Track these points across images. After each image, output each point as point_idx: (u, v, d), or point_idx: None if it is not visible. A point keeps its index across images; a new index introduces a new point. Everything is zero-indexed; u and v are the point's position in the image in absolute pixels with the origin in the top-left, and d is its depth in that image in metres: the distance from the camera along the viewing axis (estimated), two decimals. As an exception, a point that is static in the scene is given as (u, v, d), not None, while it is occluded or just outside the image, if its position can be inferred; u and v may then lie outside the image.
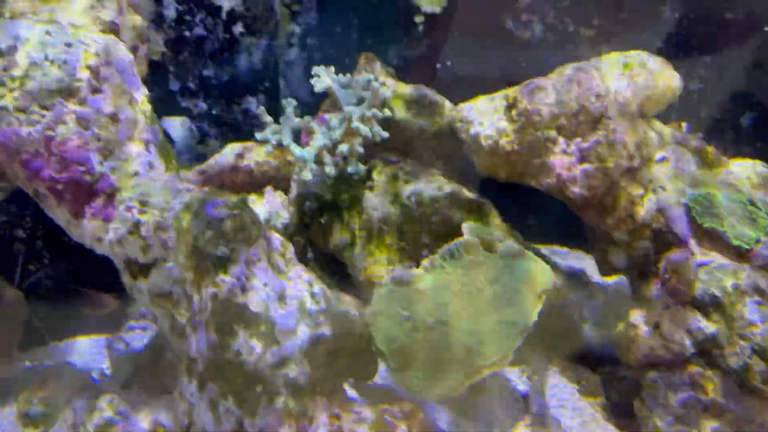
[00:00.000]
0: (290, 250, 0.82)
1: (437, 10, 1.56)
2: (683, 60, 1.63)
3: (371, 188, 1.09)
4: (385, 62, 1.41)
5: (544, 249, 1.77)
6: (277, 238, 0.81)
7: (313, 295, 0.78)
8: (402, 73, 1.51)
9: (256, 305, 0.73)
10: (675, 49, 1.62)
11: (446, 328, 0.90)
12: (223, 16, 1.43)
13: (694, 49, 1.64)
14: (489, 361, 0.89)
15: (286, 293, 0.76)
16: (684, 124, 1.53)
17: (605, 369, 1.28)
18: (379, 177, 1.10)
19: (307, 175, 0.95)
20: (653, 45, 1.64)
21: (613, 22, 1.65)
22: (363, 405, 0.79)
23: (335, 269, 1.14)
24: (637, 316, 1.20)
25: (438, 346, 0.88)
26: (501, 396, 1.03)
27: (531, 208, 1.57)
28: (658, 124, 1.38)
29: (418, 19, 1.56)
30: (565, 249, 1.88)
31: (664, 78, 1.28)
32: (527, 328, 0.93)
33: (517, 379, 1.11)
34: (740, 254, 1.14)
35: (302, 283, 0.78)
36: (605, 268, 1.27)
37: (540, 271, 1.00)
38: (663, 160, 1.30)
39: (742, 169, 1.29)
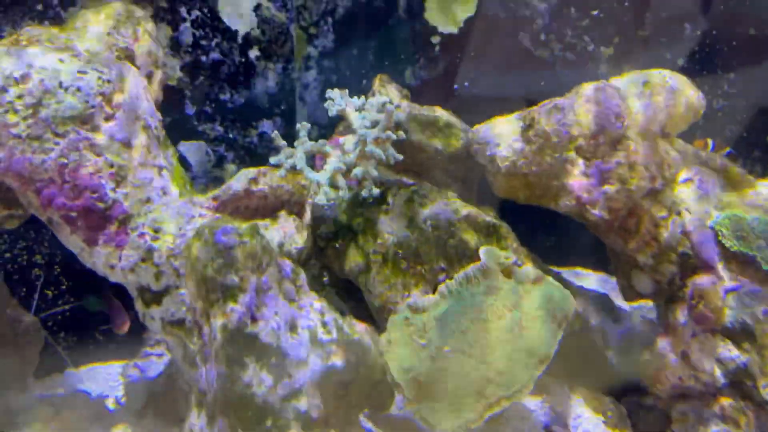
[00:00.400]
0: (302, 277, 0.81)
1: (454, 30, 1.55)
2: (706, 77, 1.60)
3: (387, 212, 1.07)
4: (402, 83, 1.40)
5: (566, 272, 1.73)
6: (288, 264, 0.79)
7: (324, 324, 0.76)
8: (419, 94, 1.51)
9: (267, 335, 0.71)
10: (698, 66, 1.59)
11: (464, 357, 0.86)
12: (239, 40, 1.44)
13: (718, 66, 1.60)
14: (509, 392, 0.85)
15: (297, 322, 0.73)
16: (710, 141, 1.49)
17: (631, 399, 1.24)
18: (394, 200, 1.08)
19: (322, 199, 0.94)
20: (675, 62, 1.61)
21: (633, 40, 1.62)
22: (377, 438, 0.76)
23: (352, 294, 1.12)
24: (664, 343, 1.15)
25: (456, 376, 0.85)
26: (521, 428, 0.98)
27: (552, 229, 1.53)
28: (680, 143, 1.35)
29: (435, 39, 1.55)
30: (588, 272, 1.84)
31: (686, 96, 1.25)
32: (548, 357, 0.90)
33: (539, 409, 1.06)
34: (771, 279, 1.10)
35: (314, 312, 0.76)
36: (629, 294, 1.22)
37: (560, 297, 0.97)
38: (687, 181, 1.25)
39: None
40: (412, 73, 1.60)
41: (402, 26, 1.58)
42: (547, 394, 1.13)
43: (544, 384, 1.17)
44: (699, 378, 1.10)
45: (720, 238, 1.12)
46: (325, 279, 1.11)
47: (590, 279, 1.76)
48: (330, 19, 1.54)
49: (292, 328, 0.73)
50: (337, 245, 1.06)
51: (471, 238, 1.03)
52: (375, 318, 1.00)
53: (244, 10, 1.43)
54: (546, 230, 1.60)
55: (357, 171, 0.98)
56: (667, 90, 1.23)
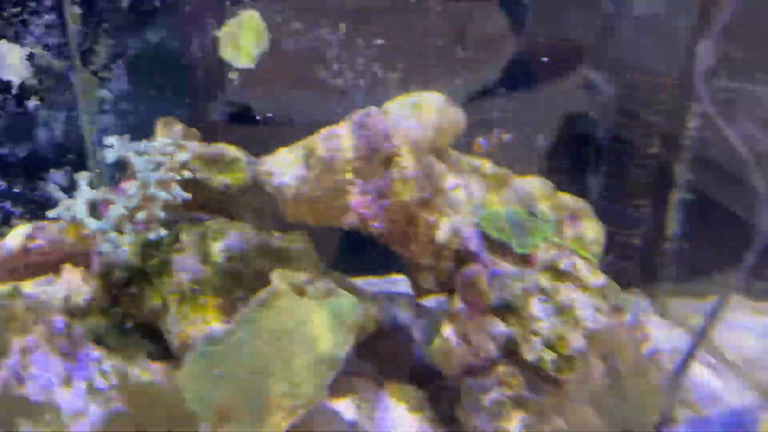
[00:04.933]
0: (77, 330, 0.82)
1: (251, 65, 1.62)
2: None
3: (180, 250, 1.11)
4: (204, 121, 1.44)
5: (384, 280, 1.88)
6: (60, 320, 0.80)
7: (103, 372, 0.78)
8: (222, 130, 1.56)
9: (37, 394, 0.72)
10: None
11: (260, 377, 0.94)
12: (14, 90, 1.39)
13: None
14: (304, 400, 0.94)
15: (72, 375, 0.75)
16: (505, 137, 1.73)
17: (434, 383, 1.40)
18: (187, 238, 1.13)
19: (107, 246, 0.96)
20: (453, 85, 1.84)
21: (417, 65, 1.82)
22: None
23: (158, 336, 1.14)
24: (448, 330, 1.33)
25: (254, 396, 0.92)
26: (325, 423, 1.08)
27: (351, 244, 1.67)
28: (455, 154, 1.56)
29: (233, 75, 1.61)
30: (402, 276, 2.01)
31: (450, 114, 1.46)
32: (339, 361, 1.00)
33: (346, 409, 1.17)
34: (525, 260, 1.32)
35: (91, 363, 0.78)
36: (418, 291, 1.39)
37: (349, 307, 1.08)
38: (456, 187, 1.46)
39: (525, 185, 1.50)
40: (215, 110, 1.65)
41: (199, 65, 1.62)
42: (355, 393, 1.24)
43: (353, 384, 1.29)
44: (478, 354, 1.28)
45: (483, 231, 1.33)
46: (127, 325, 1.11)
47: (403, 283, 1.93)
48: (122, 62, 1.54)
49: (67, 381, 0.75)
50: (132, 290, 1.08)
51: (266, 264, 1.11)
52: (178, 357, 1.04)
53: (14, 60, 1.38)
54: (366, 245, 1.74)
55: (141, 215, 1.01)
56: (434, 109, 1.43)
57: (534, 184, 1.49)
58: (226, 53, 1.64)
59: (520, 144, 1.90)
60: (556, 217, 1.45)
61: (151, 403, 0.82)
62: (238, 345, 0.95)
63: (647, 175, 1.97)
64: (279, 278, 1.04)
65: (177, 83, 1.61)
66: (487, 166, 1.51)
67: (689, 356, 1.10)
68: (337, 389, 1.26)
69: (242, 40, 1.61)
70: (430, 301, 1.61)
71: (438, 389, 1.38)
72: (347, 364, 1.27)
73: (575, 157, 2.02)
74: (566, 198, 1.53)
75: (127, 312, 1.07)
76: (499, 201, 1.42)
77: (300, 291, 1.05)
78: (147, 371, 0.86)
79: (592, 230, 1.51)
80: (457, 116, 1.46)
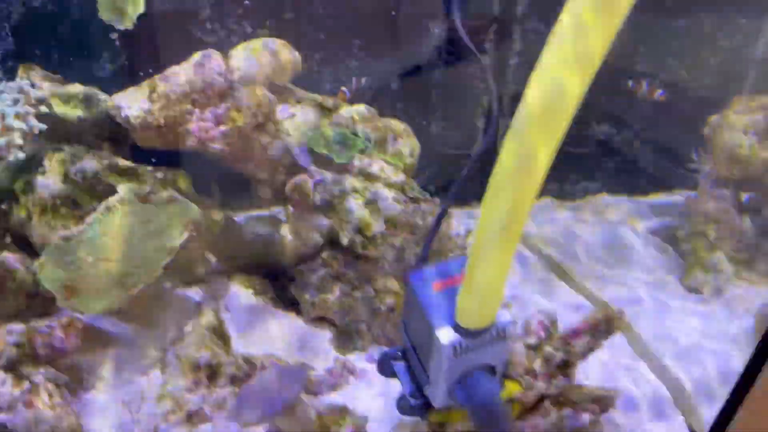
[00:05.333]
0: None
1: (129, 26, 1.77)
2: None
3: (44, 173, 1.36)
4: (91, 76, 1.60)
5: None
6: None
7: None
8: (110, 84, 1.73)
9: None
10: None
11: (105, 263, 1.22)
12: None
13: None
14: (141, 279, 1.24)
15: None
16: (363, 80, 2.01)
17: (275, 271, 1.72)
18: (49, 162, 1.37)
19: (-27, 169, 1.19)
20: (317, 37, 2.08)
21: (281, 21, 2.04)
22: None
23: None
24: (285, 229, 1.65)
25: (98, 277, 1.20)
26: (176, 307, 1.39)
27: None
28: (299, 90, 1.84)
29: (114, 35, 1.78)
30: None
31: (284, 55, 1.73)
32: (173, 249, 1.30)
33: (197, 295, 1.48)
34: (344, 169, 1.64)
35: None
36: (259, 202, 1.69)
37: (186, 209, 1.37)
38: (293, 116, 1.75)
39: (350, 111, 1.80)
40: (99, 67, 1.81)
41: (82, 26, 1.77)
42: (208, 284, 1.55)
43: (207, 278, 1.60)
44: (307, 244, 1.61)
45: (310, 147, 1.63)
46: (8, 239, 1.36)
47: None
48: (7, 25, 1.68)
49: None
50: (3, 207, 1.32)
51: (115, 180, 1.37)
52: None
53: None
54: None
55: (1, 141, 1.24)
56: (269, 52, 1.70)
57: (360, 111, 1.80)
58: (106, 15, 1.81)
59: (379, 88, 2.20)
60: (379, 136, 1.77)
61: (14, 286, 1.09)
62: (88, 240, 1.23)
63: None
64: (124, 189, 1.31)
65: (63, 45, 1.76)
66: (322, 98, 1.81)
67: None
68: (188, 279, 1.58)
69: (120, 3, 1.78)
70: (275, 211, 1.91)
71: (274, 276, 1.71)
72: (200, 261, 1.59)
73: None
74: (392, 122, 1.85)
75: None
76: (328, 125, 1.72)
77: (143, 198, 1.33)
78: (4, 261, 1.12)
79: (409, 146, 1.84)
80: (292, 58, 1.75)
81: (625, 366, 1.69)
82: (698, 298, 1.90)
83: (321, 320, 1.66)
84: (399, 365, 1.01)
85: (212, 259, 1.69)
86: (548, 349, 1.32)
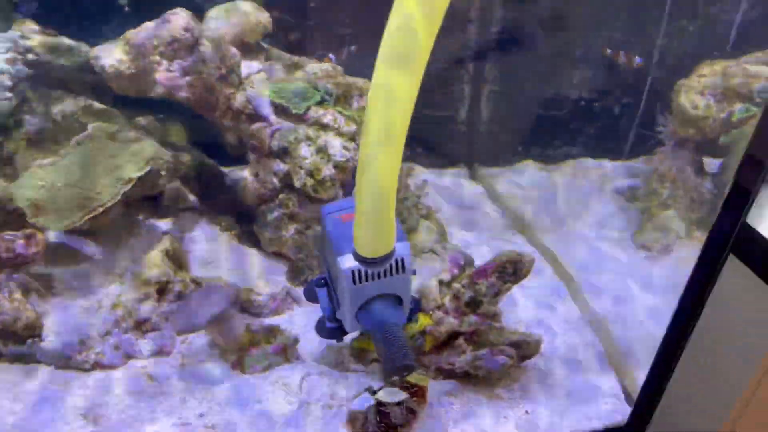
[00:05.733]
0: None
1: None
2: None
3: (30, 111, 1.58)
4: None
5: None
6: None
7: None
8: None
9: None
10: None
11: (71, 189, 1.43)
12: None
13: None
14: (102, 203, 1.44)
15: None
16: (331, 56, 2.14)
17: (241, 211, 1.90)
18: (38, 104, 1.59)
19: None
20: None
21: None
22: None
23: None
24: (245, 172, 1.82)
25: (65, 199, 1.41)
26: (145, 235, 1.60)
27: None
28: (274, 50, 2.00)
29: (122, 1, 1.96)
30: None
31: (255, 16, 1.89)
32: (131, 181, 1.49)
33: (166, 226, 1.68)
34: (299, 119, 1.79)
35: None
36: (229, 148, 1.87)
37: (149, 147, 1.56)
38: (260, 71, 1.91)
39: (314, 68, 1.95)
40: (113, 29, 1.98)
41: None
42: (180, 219, 1.75)
43: (182, 214, 1.80)
44: (266, 186, 1.78)
45: (271, 98, 1.79)
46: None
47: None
48: None
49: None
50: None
51: (89, 120, 1.58)
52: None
53: None
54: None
55: (-10, 83, 1.46)
56: (240, 12, 1.86)
57: (324, 68, 1.94)
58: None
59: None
60: (342, 92, 1.90)
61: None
62: (58, 169, 1.44)
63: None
64: (95, 128, 1.52)
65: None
66: (288, 56, 1.96)
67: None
68: (165, 214, 1.78)
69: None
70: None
71: (245, 215, 1.90)
72: (180, 198, 1.79)
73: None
74: (358, 80, 1.98)
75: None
76: (293, 80, 1.88)
77: (110, 136, 1.53)
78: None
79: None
80: (262, 19, 1.90)
81: (560, 316, 1.79)
82: (646, 255, 1.97)
83: (278, 255, 1.84)
84: (321, 291, 1.06)
85: (191, 198, 1.89)
86: (456, 285, 1.45)
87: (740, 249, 1.11)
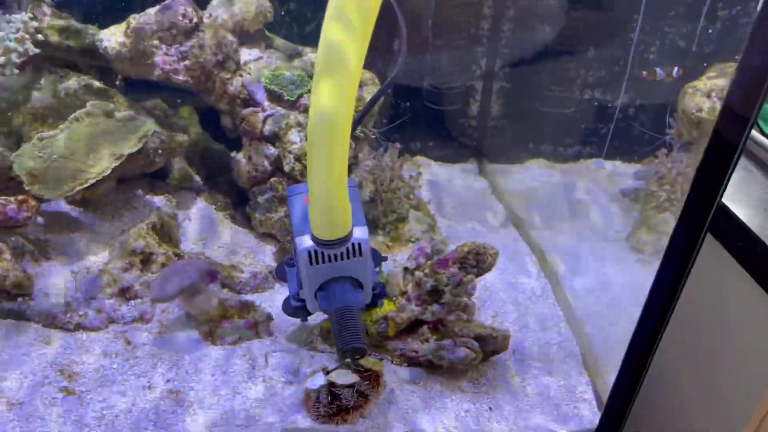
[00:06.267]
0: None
1: None
2: None
3: (39, 89, 1.69)
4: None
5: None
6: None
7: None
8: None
9: None
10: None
11: (67, 161, 1.53)
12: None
13: None
14: (93, 175, 1.54)
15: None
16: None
17: (237, 191, 1.98)
18: (44, 81, 1.70)
19: (-25, 81, 1.55)
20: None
21: None
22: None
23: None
24: (240, 155, 1.89)
25: (59, 170, 1.51)
26: (140, 209, 1.69)
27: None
28: (276, 40, 2.06)
29: None
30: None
31: (256, 5, 1.95)
32: (123, 156, 1.58)
33: (164, 205, 1.76)
34: (292, 105, 1.84)
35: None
36: (226, 131, 1.94)
37: (142, 125, 1.65)
38: (259, 58, 1.97)
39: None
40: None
41: None
42: (176, 197, 1.84)
43: (178, 195, 1.89)
44: (258, 170, 1.85)
45: (265, 85, 1.85)
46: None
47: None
48: None
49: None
50: (9, 114, 1.68)
51: (89, 98, 1.68)
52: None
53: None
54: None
55: (1, 59, 1.58)
56: (242, 2, 1.93)
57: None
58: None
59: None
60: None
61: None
62: (57, 141, 1.54)
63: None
64: (92, 105, 1.62)
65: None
66: (292, 46, 2.02)
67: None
68: (159, 189, 1.87)
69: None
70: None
71: (239, 196, 1.97)
72: (183, 177, 1.87)
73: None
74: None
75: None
76: (289, 68, 1.93)
77: (108, 114, 1.62)
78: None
79: (371, 93, 2.01)
80: (263, 8, 1.96)
81: (540, 313, 1.78)
82: (638, 258, 1.93)
83: (268, 236, 1.91)
84: (290, 271, 1.11)
85: (196, 178, 1.99)
86: (419, 274, 1.47)
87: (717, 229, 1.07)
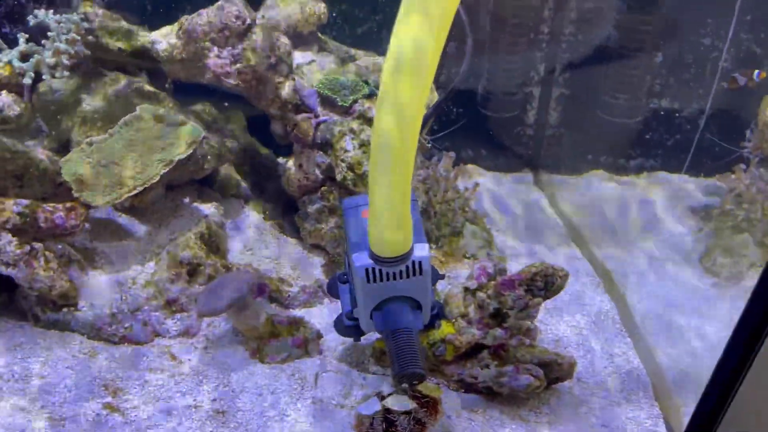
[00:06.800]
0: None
1: None
2: None
3: (89, 92, 1.65)
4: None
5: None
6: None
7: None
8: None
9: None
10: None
11: (116, 166, 1.48)
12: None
13: None
14: (142, 182, 1.48)
15: None
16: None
17: (287, 200, 1.90)
18: (96, 84, 1.66)
19: (27, 80, 1.51)
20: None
21: None
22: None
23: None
24: (290, 163, 1.81)
25: (107, 176, 1.46)
26: (188, 217, 1.63)
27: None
28: (331, 42, 1.99)
29: None
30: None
31: (310, 6, 1.88)
32: (173, 162, 1.52)
33: (212, 214, 1.70)
34: (345, 111, 1.76)
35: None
36: (276, 137, 1.86)
37: (195, 131, 1.59)
38: (312, 62, 1.90)
39: (366, 61, 1.91)
40: None
41: None
42: (224, 205, 1.78)
43: (225, 203, 1.82)
44: (309, 178, 1.77)
45: (318, 90, 1.77)
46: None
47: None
48: None
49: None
50: (58, 116, 1.64)
51: (139, 101, 1.63)
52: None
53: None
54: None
55: (50, 61, 1.54)
56: (297, 3, 1.86)
57: (377, 62, 1.90)
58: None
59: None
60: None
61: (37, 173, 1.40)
62: (106, 146, 1.49)
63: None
64: (142, 109, 1.56)
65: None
66: (345, 49, 1.94)
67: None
68: (207, 197, 1.81)
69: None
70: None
71: (287, 204, 1.89)
72: (231, 185, 1.81)
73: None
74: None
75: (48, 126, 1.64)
76: (343, 72, 1.85)
77: (159, 118, 1.57)
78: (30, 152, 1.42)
79: (427, 100, 1.91)
80: (316, 10, 1.89)
81: (606, 338, 1.65)
82: (712, 282, 1.78)
83: (317, 247, 1.83)
84: (343, 287, 1.04)
85: (243, 185, 1.93)
86: (481, 295, 1.36)
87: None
